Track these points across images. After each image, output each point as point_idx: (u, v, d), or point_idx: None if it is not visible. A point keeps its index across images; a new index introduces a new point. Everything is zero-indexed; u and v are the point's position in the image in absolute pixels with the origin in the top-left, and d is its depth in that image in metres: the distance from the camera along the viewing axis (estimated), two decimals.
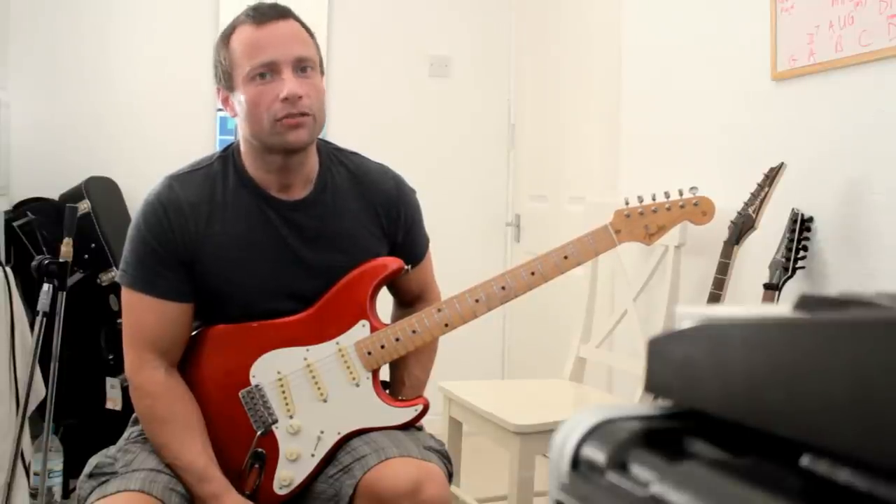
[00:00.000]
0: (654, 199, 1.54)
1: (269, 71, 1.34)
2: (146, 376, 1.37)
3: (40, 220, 2.73)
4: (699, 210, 1.55)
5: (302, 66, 1.36)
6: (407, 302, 1.62)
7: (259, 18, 1.36)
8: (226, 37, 1.39)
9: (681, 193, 1.55)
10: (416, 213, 1.56)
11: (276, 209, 1.42)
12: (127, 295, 1.40)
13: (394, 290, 1.63)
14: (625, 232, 1.52)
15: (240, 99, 1.37)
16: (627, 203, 1.54)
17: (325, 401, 1.41)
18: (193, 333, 1.45)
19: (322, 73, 1.43)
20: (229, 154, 1.45)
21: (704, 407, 0.43)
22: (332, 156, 1.51)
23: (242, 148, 1.44)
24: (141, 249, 1.38)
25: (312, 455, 1.39)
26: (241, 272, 1.40)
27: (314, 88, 1.38)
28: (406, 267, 1.49)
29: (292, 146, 1.37)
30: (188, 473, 1.32)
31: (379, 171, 1.53)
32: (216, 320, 1.43)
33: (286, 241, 1.42)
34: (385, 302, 1.57)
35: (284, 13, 1.39)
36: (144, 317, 1.38)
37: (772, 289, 1.85)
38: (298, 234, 1.43)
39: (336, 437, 1.40)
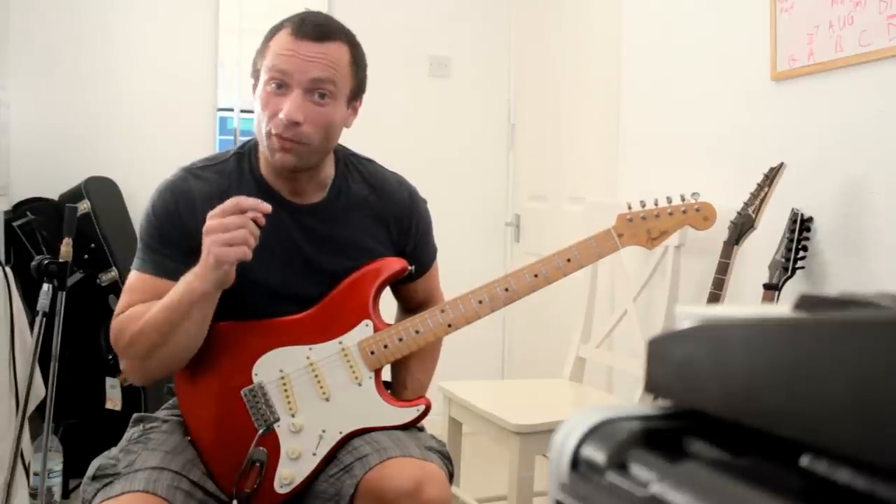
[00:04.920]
0: (656, 204, 1.55)
1: (282, 83, 1.33)
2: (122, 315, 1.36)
3: (40, 220, 2.73)
4: (701, 215, 1.56)
5: (319, 92, 1.34)
6: (411, 309, 1.62)
7: (299, 32, 1.33)
8: (271, 33, 1.38)
9: (683, 199, 1.56)
10: (427, 225, 1.57)
11: (288, 212, 1.43)
12: (129, 278, 1.40)
13: (399, 297, 1.64)
14: (627, 236, 1.53)
15: (257, 96, 1.38)
16: (630, 207, 1.54)
17: (327, 400, 1.41)
18: None
19: (357, 99, 1.43)
20: (246, 152, 1.46)
21: (704, 407, 0.43)
22: (348, 162, 1.51)
23: (260, 147, 1.44)
24: (147, 234, 1.40)
25: (314, 454, 1.39)
26: (249, 271, 1.39)
27: (321, 117, 1.35)
28: (410, 268, 1.49)
29: (276, 165, 1.38)
30: (181, 302, 1.28)
31: (394, 181, 1.54)
32: (219, 315, 1.42)
33: (297, 245, 1.43)
34: (389, 307, 1.57)
35: (328, 35, 1.34)
36: (142, 296, 1.36)
37: (772, 289, 1.85)
38: (309, 238, 1.44)
39: (338, 437, 1.40)
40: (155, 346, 1.32)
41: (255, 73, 1.40)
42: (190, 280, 1.28)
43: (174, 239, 1.38)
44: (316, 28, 1.34)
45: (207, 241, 1.25)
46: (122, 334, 1.35)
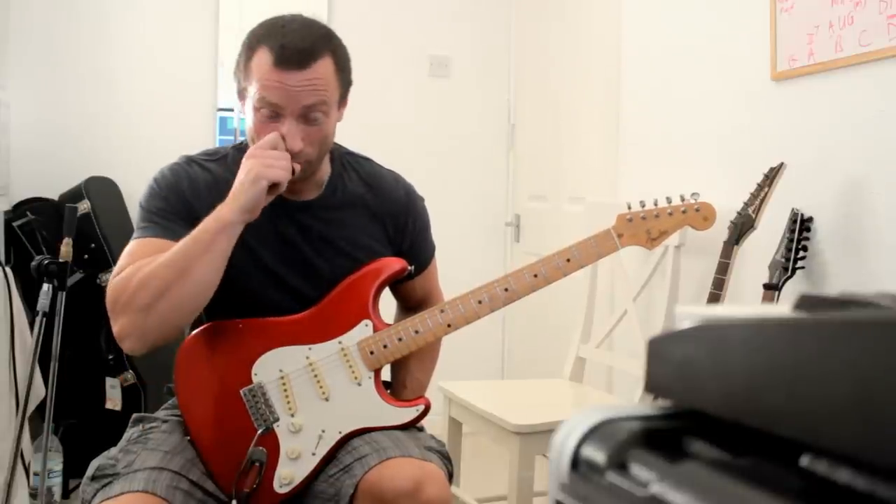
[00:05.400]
0: (656, 204, 1.55)
1: (273, 114, 1.33)
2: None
3: (40, 220, 2.73)
4: (700, 216, 1.57)
5: (313, 115, 1.34)
6: (411, 308, 1.62)
7: (281, 60, 1.30)
8: (249, 49, 1.35)
9: (682, 199, 1.57)
10: (424, 223, 1.57)
11: (284, 207, 1.43)
12: (129, 246, 1.37)
13: (398, 296, 1.64)
14: (627, 236, 1.53)
15: (248, 112, 1.38)
16: (630, 207, 1.55)
17: (326, 400, 1.41)
18: (195, 331, 1.45)
19: (345, 97, 1.42)
20: (243, 149, 1.46)
21: (704, 407, 0.43)
22: (344, 161, 1.52)
23: None
24: (152, 202, 1.39)
25: (313, 454, 1.39)
26: (245, 259, 1.39)
27: (318, 134, 1.36)
28: (409, 268, 1.49)
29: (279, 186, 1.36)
30: (205, 231, 1.27)
31: (391, 179, 1.55)
32: (217, 307, 1.41)
33: (291, 240, 1.44)
34: (388, 307, 1.57)
35: (310, 58, 1.31)
36: (144, 256, 1.32)
37: (772, 289, 1.85)
38: (303, 234, 1.45)
39: (337, 437, 1.40)
40: (166, 287, 1.26)
41: (241, 92, 1.39)
42: (218, 209, 1.30)
43: (179, 210, 1.38)
44: (299, 54, 1.31)
45: (249, 162, 1.30)
46: (126, 286, 1.28)
